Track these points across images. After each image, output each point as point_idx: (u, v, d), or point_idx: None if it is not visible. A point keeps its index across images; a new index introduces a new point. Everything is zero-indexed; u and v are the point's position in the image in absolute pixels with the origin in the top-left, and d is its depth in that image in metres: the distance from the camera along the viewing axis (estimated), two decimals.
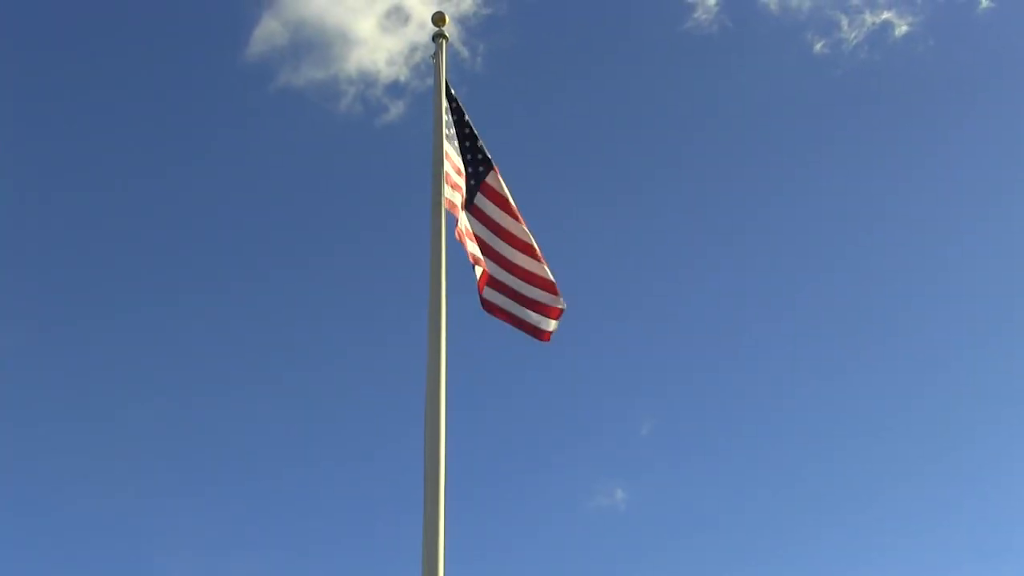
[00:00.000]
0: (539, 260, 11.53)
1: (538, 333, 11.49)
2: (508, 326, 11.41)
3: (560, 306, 11.47)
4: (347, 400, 30.33)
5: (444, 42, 11.99)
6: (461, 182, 11.40)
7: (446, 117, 11.55)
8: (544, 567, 27.45)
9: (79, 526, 27.13)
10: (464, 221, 11.28)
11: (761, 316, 31.80)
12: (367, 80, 29.09)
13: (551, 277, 11.50)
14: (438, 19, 12.05)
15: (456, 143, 11.60)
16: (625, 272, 31.00)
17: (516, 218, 11.61)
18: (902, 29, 29.80)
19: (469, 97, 11.93)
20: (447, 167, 11.18)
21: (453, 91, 11.86)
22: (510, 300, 11.44)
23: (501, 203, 11.61)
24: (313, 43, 29.48)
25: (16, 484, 25.78)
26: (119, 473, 27.57)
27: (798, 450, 30.68)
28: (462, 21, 28.60)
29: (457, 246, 10.98)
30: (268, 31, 29.38)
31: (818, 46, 30.26)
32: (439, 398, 9.63)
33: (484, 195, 11.63)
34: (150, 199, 31.28)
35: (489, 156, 11.78)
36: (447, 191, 11.02)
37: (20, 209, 30.02)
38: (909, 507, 29.60)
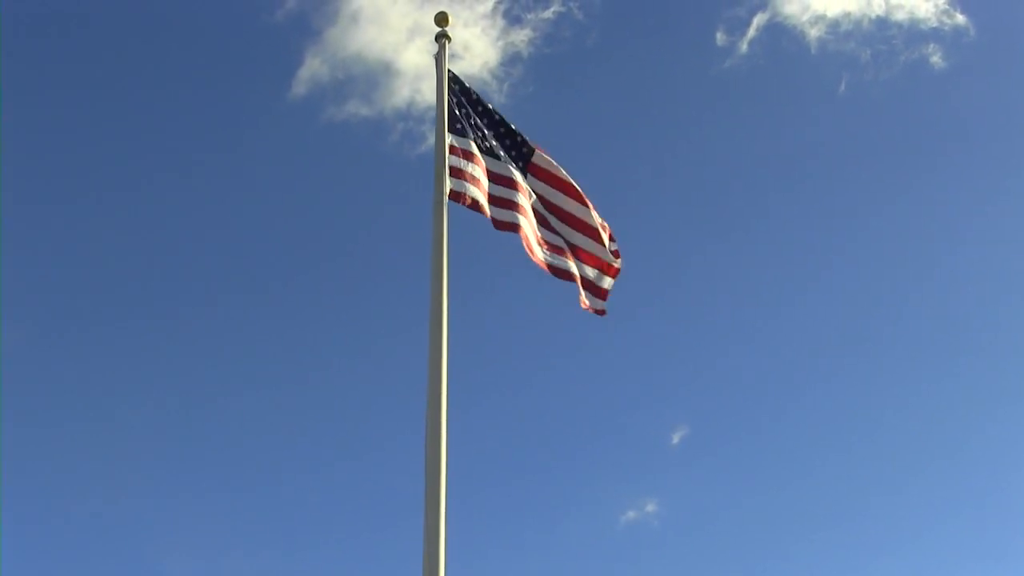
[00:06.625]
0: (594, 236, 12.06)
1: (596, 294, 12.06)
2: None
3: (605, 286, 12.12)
4: (349, 401, 30.41)
5: (447, 42, 12.07)
6: (478, 172, 11.48)
7: (458, 112, 11.66)
8: None
9: (79, 527, 27.18)
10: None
11: (790, 321, 31.52)
12: (413, 112, 29.21)
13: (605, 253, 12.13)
14: (441, 19, 12.12)
15: (471, 134, 11.70)
16: (652, 279, 30.95)
17: (570, 195, 12.06)
18: (940, 66, 29.91)
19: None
20: (453, 160, 11.26)
21: (456, 86, 11.94)
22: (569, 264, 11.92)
23: (553, 181, 12.06)
24: (357, 77, 29.72)
25: (17, 484, 25.83)
26: (120, 474, 27.62)
27: (837, 457, 30.07)
28: (518, 58, 29.36)
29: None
30: (312, 68, 29.65)
31: (842, 87, 30.50)
32: (440, 399, 9.49)
33: (534, 176, 12.03)
34: (165, 211, 31.52)
35: (528, 139, 12.09)
36: (455, 184, 11.12)
37: (28, 212, 30.19)
38: (933, 507, 29.54)
